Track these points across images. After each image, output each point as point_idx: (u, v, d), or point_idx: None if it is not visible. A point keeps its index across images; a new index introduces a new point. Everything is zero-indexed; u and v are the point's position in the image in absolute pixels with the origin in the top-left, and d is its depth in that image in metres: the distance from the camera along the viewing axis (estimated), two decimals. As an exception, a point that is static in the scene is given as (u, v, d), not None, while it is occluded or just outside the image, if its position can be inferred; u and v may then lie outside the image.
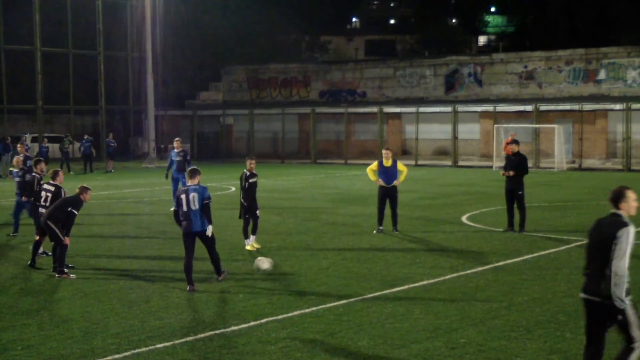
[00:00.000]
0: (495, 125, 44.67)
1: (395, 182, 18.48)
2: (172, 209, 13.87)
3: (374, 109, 51.15)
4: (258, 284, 12.86)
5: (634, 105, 42.65)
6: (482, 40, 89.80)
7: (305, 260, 14.87)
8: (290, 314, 10.80)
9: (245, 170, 16.10)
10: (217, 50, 62.80)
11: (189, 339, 9.67)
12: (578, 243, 16.52)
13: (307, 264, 14.49)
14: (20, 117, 54.27)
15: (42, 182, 15.55)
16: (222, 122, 55.61)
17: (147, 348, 9.30)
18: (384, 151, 18.81)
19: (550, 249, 16.04)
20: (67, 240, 13.52)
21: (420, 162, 46.65)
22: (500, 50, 60.83)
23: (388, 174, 18.45)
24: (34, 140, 47.62)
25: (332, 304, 11.34)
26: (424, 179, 34.92)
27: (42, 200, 14.40)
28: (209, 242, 12.54)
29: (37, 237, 14.48)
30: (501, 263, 14.51)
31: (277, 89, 58.81)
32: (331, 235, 18.10)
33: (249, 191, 15.97)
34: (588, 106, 45.47)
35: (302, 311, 10.94)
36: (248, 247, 16.00)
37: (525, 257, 15.13)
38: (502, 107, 47.85)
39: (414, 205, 24.12)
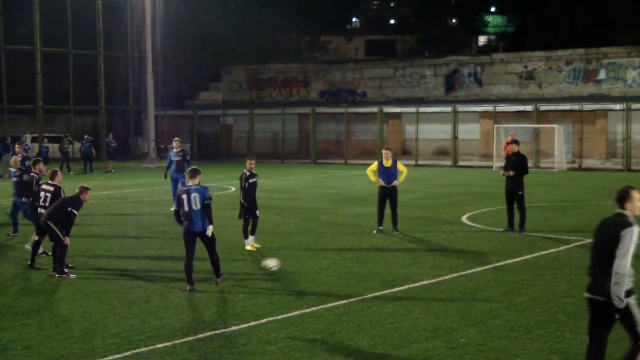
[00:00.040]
0: (495, 125, 44.68)
1: (395, 182, 18.48)
2: (172, 209, 13.89)
3: (374, 109, 51.15)
4: (258, 284, 12.86)
5: (634, 105, 42.66)
6: (482, 40, 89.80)
7: (305, 260, 14.87)
8: (290, 314, 10.80)
9: (245, 171, 16.10)
10: (217, 50, 62.80)
11: (189, 339, 9.67)
12: (578, 243, 16.54)
13: (307, 264, 14.49)
14: (20, 117, 54.26)
15: (40, 182, 15.53)
16: (222, 122, 55.61)
17: (147, 348, 9.30)
18: (384, 151, 18.81)
19: (550, 249, 16.04)
20: (67, 240, 13.52)
21: (420, 162, 46.65)
22: (500, 50, 60.81)
23: (388, 174, 18.45)
24: (34, 140, 47.61)
25: (332, 304, 11.34)
26: (424, 179, 34.92)
27: (41, 200, 14.38)
28: (209, 243, 12.53)
29: (37, 238, 14.48)
30: (501, 263, 14.50)
31: (277, 89, 58.82)
32: (331, 235, 18.10)
33: (248, 191, 15.97)
34: (588, 106, 45.47)
35: (302, 311, 10.94)
36: (248, 247, 16.00)
37: (525, 257, 15.13)
38: (502, 107, 47.85)
39: (414, 205, 24.12)
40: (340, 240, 17.34)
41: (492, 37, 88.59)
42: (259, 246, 16.16)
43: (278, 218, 21.25)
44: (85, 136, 44.33)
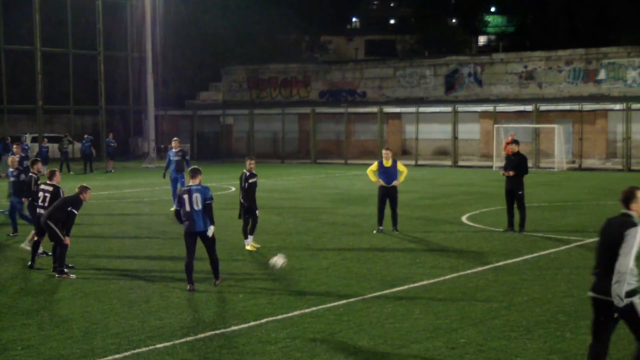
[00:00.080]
0: (495, 125, 44.67)
1: (395, 182, 18.48)
2: (172, 209, 13.88)
3: (374, 109, 51.15)
4: (258, 284, 12.86)
5: (634, 105, 42.65)
6: (482, 40, 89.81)
7: (305, 260, 14.87)
8: (290, 314, 10.80)
9: (245, 171, 16.10)
10: (217, 50, 62.81)
11: (189, 339, 9.67)
12: (578, 243, 16.54)
13: (307, 264, 14.48)
14: (20, 117, 54.26)
15: (39, 182, 15.52)
16: (222, 122, 55.61)
17: (147, 348, 9.30)
18: (384, 151, 18.81)
19: (550, 249, 16.04)
20: (67, 240, 13.52)
21: (420, 162, 46.65)
22: (500, 50, 60.79)
23: (388, 174, 18.45)
24: (34, 140, 47.62)
25: (332, 304, 11.34)
26: (424, 179, 34.92)
27: (40, 200, 14.35)
28: (209, 243, 12.51)
29: (36, 238, 14.47)
30: (501, 263, 14.50)
31: (277, 89, 58.82)
32: (331, 235, 18.10)
33: (248, 191, 15.97)
34: (588, 106, 45.47)
35: (302, 311, 10.94)
36: (248, 247, 16.01)
37: (525, 257, 15.13)
38: (502, 107, 47.85)
39: (414, 205, 24.12)
40: (340, 240, 17.34)
41: (492, 37, 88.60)
42: (258, 246, 16.16)
43: (278, 218, 21.24)
44: (85, 136, 44.35)
